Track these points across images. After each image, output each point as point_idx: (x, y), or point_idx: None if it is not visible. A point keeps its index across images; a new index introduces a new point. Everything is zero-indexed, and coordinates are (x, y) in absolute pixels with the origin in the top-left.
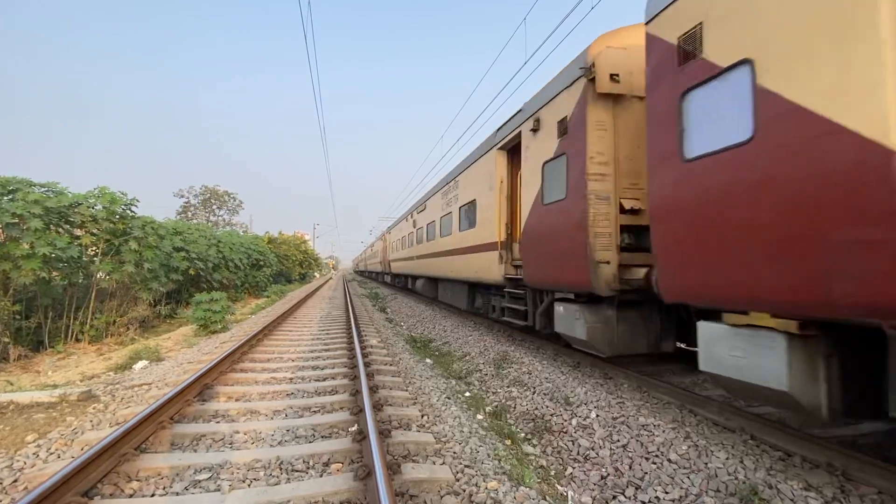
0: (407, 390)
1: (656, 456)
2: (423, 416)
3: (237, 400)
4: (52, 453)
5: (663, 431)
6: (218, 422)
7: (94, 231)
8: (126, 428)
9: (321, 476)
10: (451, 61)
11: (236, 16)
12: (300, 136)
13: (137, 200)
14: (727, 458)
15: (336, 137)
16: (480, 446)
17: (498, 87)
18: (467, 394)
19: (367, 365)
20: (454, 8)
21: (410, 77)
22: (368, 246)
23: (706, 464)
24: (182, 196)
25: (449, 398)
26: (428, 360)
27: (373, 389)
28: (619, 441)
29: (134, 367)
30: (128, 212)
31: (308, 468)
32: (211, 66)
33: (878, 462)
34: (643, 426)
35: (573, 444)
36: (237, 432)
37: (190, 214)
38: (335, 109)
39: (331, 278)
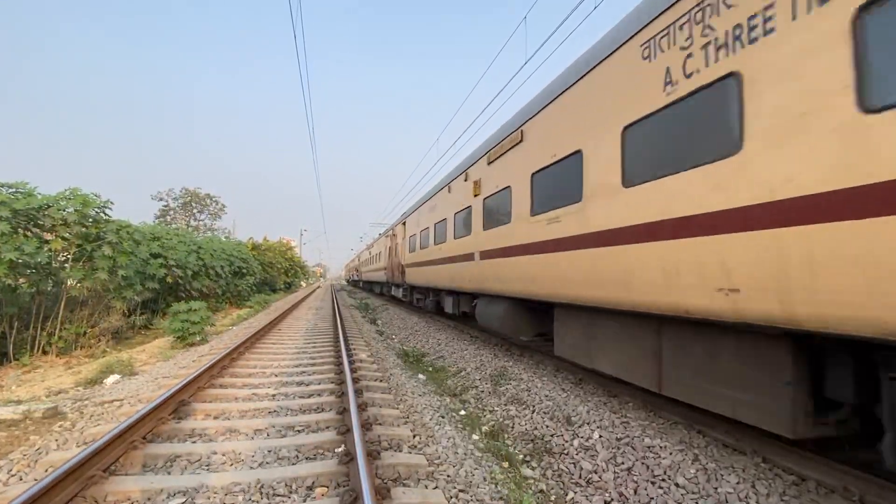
0: (398, 408)
1: (663, 480)
2: (414, 436)
3: (216, 418)
4: (13, 475)
5: (670, 453)
6: (194, 441)
7: (65, 235)
8: (94, 448)
9: (305, 501)
10: (448, 61)
11: (224, 8)
12: (288, 136)
13: (112, 203)
14: (738, 483)
15: (327, 139)
16: (476, 469)
17: (497, 88)
18: (462, 412)
19: (355, 381)
20: (451, 5)
21: (405, 77)
22: (366, 247)
23: (716, 489)
24: (161, 199)
25: (443, 417)
26: (421, 376)
27: (361, 407)
28: (623, 464)
29: (105, 381)
30: (101, 215)
31: (291, 492)
32: (194, 58)
33: None
34: (649, 447)
35: (575, 467)
36: (215, 453)
37: (169, 218)
38: (326, 110)
39: (318, 287)
